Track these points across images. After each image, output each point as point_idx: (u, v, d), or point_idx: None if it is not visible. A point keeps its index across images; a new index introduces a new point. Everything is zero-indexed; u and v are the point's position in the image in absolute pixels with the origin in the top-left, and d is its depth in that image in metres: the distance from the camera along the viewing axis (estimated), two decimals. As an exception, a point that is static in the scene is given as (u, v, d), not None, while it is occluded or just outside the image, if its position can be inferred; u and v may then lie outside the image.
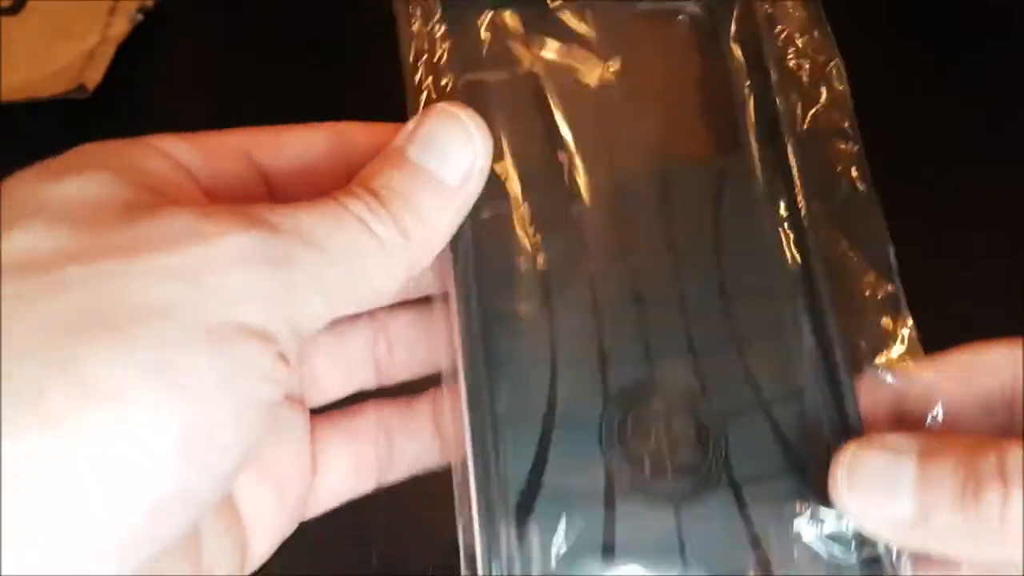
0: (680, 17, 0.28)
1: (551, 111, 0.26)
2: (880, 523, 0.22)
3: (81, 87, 0.40)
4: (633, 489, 0.23)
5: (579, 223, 0.25)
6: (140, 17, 0.43)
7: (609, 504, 0.23)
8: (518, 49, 0.27)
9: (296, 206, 0.21)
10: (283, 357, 0.20)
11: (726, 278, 0.25)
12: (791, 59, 0.27)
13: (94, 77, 0.41)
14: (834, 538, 0.23)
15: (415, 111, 0.25)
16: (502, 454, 0.23)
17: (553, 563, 0.22)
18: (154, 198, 0.20)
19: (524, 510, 0.23)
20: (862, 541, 0.23)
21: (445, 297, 0.24)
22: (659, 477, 0.23)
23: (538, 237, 0.25)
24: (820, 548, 0.23)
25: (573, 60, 0.27)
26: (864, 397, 0.24)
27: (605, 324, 0.24)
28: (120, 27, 0.42)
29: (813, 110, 0.26)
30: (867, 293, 0.25)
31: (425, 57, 0.26)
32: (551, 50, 0.27)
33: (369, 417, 0.26)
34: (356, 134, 0.25)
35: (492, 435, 0.23)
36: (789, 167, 0.26)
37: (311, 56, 0.43)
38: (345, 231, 0.21)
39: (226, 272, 0.19)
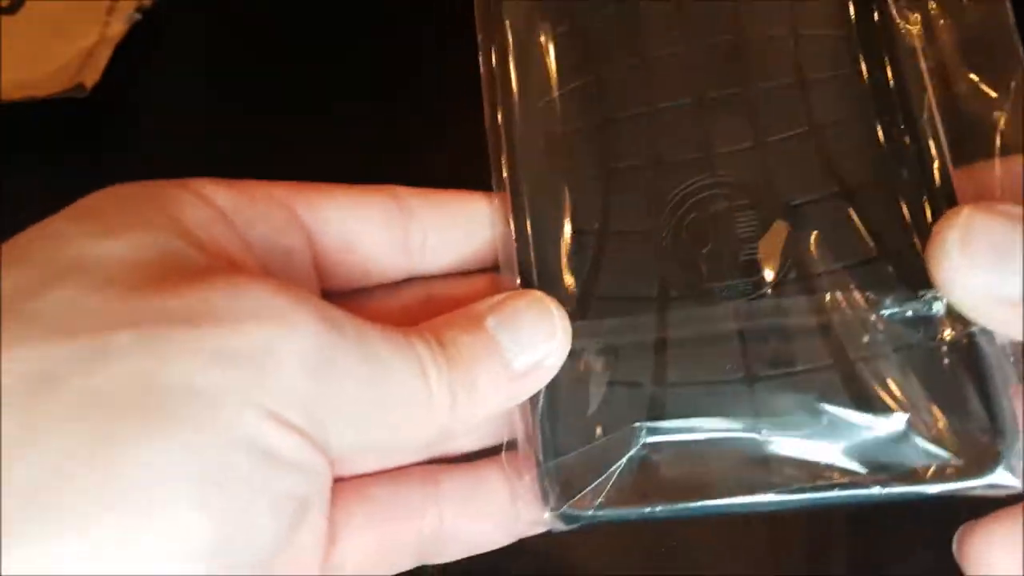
0: None
1: None
2: (989, 300, 0.18)
3: (79, 86, 0.40)
4: (690, 289, 0.22)
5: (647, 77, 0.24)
6: (138, 16, 0.43)
7: (663, 307, 0.22)
8: None
9: (364, 322, 0.20)
10: (320, 449, 0.18)
11: (799, 62, 0.23)
12: None
13: (92, 76, 0.41)
14: (918, 323, 0.20)
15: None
16: (552, 261, 0.23)
17: (603, 367, 0.22)
18: (207, 259, 0.19)
19: (578, 315, 0.22)
20: (952, 325, 0.20)
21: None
22: (719, 276, 0.22)
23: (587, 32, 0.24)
24: (902, 333, 0.21)
25: None
26: (966, 189, 0.21)
27: (663, 128, 0.23)
28: (118, 26, 0.42)
29: None
30: (973, 76, 0.22)
31: None
32: None
33: (412, 486, 0.23)
34: (414, 203, 0.24)
35: (542, 244, 0.23)
36: None
37: (311, 56, 0.43)
38: (405, 369, 0.20)
39: (287, 364, 0.18)
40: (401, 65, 0.41)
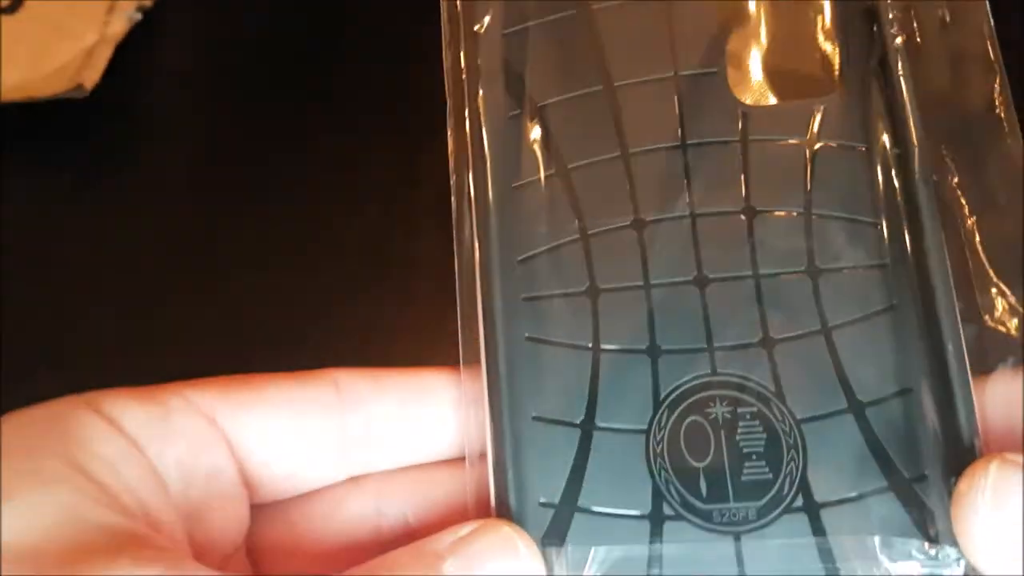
0: None
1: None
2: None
3: (79, 87, 0.40)
4: (687, 508, 0.20)
5: (633, 184, 0.23)
6: (138, 16, 0.43)
7: (656, 531, 0.20)
8: None
9: None
10: None
11: (816, 250, 0.22)
12: None
13: (92, 77, 0.40)
14: None
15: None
16: (530, 464, 0.20)
17: None
18: (112, 519, 0.17)
19: (555, 536, 0.20)
20: None
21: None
22: (720, 496, 0.20)
23: (581, 199, 0.23)
24: None
25: None
26: (989, 406, 0.19)
27: (660, 306, 0.22)
28: (118, 26, 0.42)
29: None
30: (995, 268, 0.21)
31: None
32: None
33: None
34: (360, 389, 0.21)
35: (518, 439, 0.20)
36: (900, 102, 0.22)
37: (311, 56, 0.43)
38: None
39: None
40: (400, 62, 0.41)
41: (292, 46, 0.44)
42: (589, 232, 0.23)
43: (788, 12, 0.25)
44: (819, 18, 0.25)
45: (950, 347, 0.20)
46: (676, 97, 0.24)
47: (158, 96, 0.43)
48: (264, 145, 0.40)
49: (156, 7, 0.43)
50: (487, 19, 0.25)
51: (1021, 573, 0.16)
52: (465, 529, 0.19)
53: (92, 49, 0.41)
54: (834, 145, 0.23)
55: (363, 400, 0.21)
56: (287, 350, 0.35)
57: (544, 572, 0.19)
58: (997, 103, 0.23)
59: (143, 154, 0.41)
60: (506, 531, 0.19)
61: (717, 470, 0.20)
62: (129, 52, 0.42)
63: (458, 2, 0.25)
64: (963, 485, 0.17)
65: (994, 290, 0.21)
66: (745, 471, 0.20)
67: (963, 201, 0.22)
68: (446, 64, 0.25)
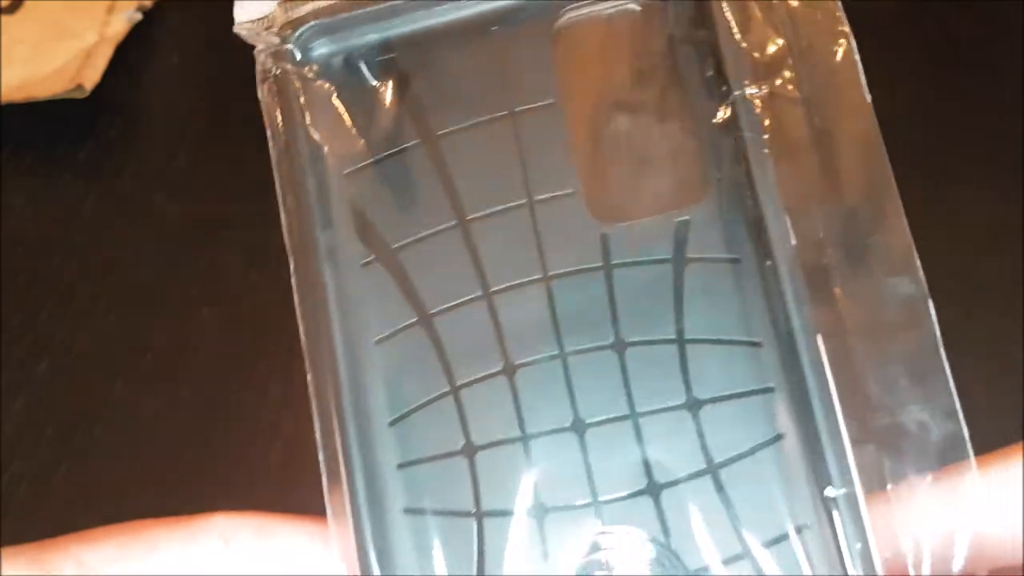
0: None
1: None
2: None
3: (79, 87, 0.40)
4: None
5: (496, 323, 0.22)
6: (138, 16, 0.43)
7: None
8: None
9: None
10: None
11: (695, 379, 0.21)
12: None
13: (92, 77, 0.40)
14: None
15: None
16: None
17: None
18: None
19: None
20: None
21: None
22: None
23: (446, 344, 0.22)
24: None
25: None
26: (883, 522, 0.19)
27: (540, 460, 0.21)
28: (118, 26, 0.42)
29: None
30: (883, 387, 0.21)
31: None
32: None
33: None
34: (246, 538, 0.21)
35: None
36: (769, 208, 0.22)
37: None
38: None
39: None
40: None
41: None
42: (459, 384, 0.22)
43: (644, 122, 0.24)
44: (677, 127, 0.24)
45: (838, 477, 0.20)
46: (533, 225, 0.23)
47: (158, 96, 0.43)
48: (263, 144, 0.40)
49: (156, 7, 0.43)
50: (324, 158, 0.24)
51: None
52: None
53: (92, 49, 0.41)
54: (702, 261, 0.22)
55: (251, 555, 0.21)
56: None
57: None
58: (881, 193, 0.22)
59: (143, 154, 0.41)
60: None
61: None
62: (129, 52, 0.42)
63: (286, 140, 0.24)
64: None
65: (885, 411, 0.21)
66: None
67: (845, 314, 0.21)
68: (283, 214, 0.24)
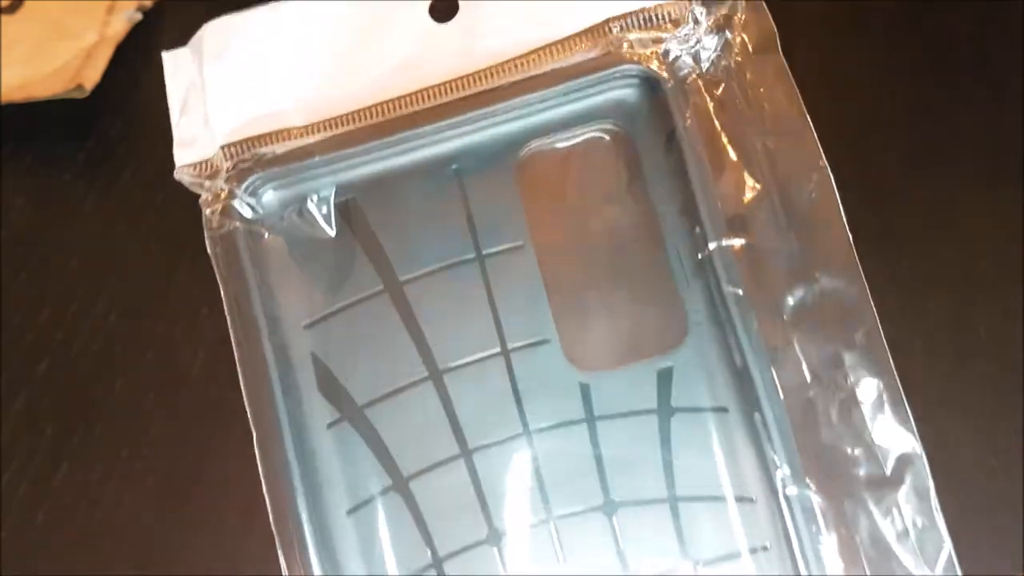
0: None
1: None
2: None
3: (79, 87, 0.40)
4: None
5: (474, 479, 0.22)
6: (139, 16, 0.43)
7: None
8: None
9: None
10: None
11: (682, 536, 0.21)
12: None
13: (92, 77, 0.40)
14: None
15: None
16: None
17: None
18: None
19: None
20: None
21: None
22: None
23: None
24: None
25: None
26: None
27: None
28: (118, 26, 0.42)
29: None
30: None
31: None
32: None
33: None
34: None
35: None
36: (746, 359, 0.22)
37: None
38: None
39: None
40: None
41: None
42: (442, 555, 0.21)
43: (618, 262, 0.24)
44: (652, 266, 0.24)
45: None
46: (510, 376, 0.22)
47: (158, 96, 0.43)
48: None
49: (156, 7, 0.43)
50: (280, 313, 0.23)
51: None
52: None
53: (92, 49, 0.41)
54: (689, 411, 0.22)
55: None
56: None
57: None
58: (869, 340, 0.22)
59: (143, 154, 0.41)
60: None
61: None
62: (129, 52, 0.42)
63: (237, 302, 0.23)
64: None
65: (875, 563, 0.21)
66: None
67: (831, 460, 0.22)
68: (242, 381, 0.23)
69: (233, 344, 0.24)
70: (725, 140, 0.24)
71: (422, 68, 0.25)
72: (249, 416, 0.23)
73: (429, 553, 0.21)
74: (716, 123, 0.24)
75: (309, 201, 0.24)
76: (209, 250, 0.24)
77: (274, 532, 0.22)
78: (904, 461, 0.23)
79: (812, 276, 0.23)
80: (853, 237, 0.24)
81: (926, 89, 0.34)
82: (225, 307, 0.24)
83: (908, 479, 0.22)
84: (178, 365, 0.35)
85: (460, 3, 0.25)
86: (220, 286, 0.24)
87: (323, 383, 0.22)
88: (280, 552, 0.22)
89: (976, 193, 0.32)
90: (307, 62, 0.25)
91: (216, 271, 0.24)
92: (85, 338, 0.37)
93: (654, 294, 0.23)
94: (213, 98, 0.26)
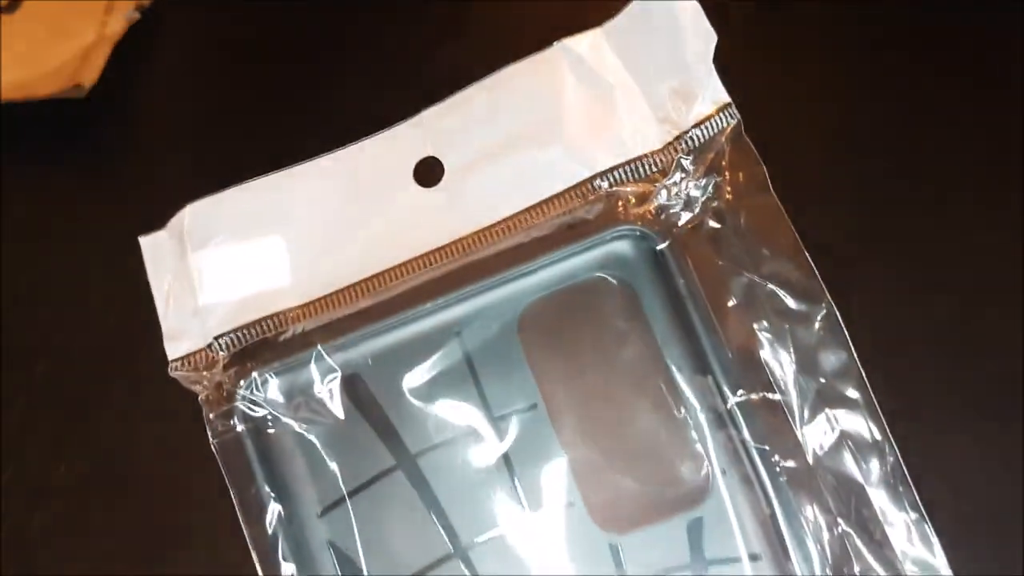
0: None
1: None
2: None
3: (77, 86, 0.40)
4: None
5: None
6: (137, 16, 0.43)
7: None
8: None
9: None
10: None
11: None
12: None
13: (90, 76, 0.40)
14: None
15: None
16: None
17: None
18: None
19: None
20: None
21: None
22: None
23: None
24: None
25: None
26: None
27: None
28: (116, 26, 0.42)
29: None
30: None
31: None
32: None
33: None
34: None
35: None
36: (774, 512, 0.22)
37: (310, 55, 0.43)
38: None
39: None
40: (403, 55, 0.41)
41: (291, 46, 0.43)
42: None
43: (633, 414, 0.24)
44: (668, 418, 0.24)
45: None
46: (538, 546, 0.22)
47: (156, 96, 0.43)
48: (263, 145, 0.40)
49: (155, 6, 0.43)
50: (293, 505, 0.23)
51: None
52: None
53: (90, 48, 0.41)
54: (723, 562, 0.22)
55: None
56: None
57: None
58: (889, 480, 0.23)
59: (141, 154, 0.41)
60: None
61: None
62: (127, 52, 0.42)
63: (245, 502, 0.24)
64: None
65: None
66: None
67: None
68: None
69: (248, 541, 0.23)
70: (730, 286, 0.24)
71: (412, 233, 0.24)
72: None
73: None
74: (717, 268, 0.24)
75: (314, 388, 0.24)
76: (215, 451, 0.24)
77: None
78: None
79: (831, 418, 0.23)
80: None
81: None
82: (237, 508, 0.24)
83: None
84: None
85: (444, 165, 0.25)
86: (229, 488, 0.24)
87: (344, 572, 0.22)
88: None
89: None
90: (294, 236, 0.25)
91: (224, 473, 0.24)
92: (85, 338, 0.37)
93: (676, 447, 0.23)
94: (200, 286, 0.25)
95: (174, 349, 0.26)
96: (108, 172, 0.40)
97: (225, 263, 0.25)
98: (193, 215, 0.25)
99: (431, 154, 0.25)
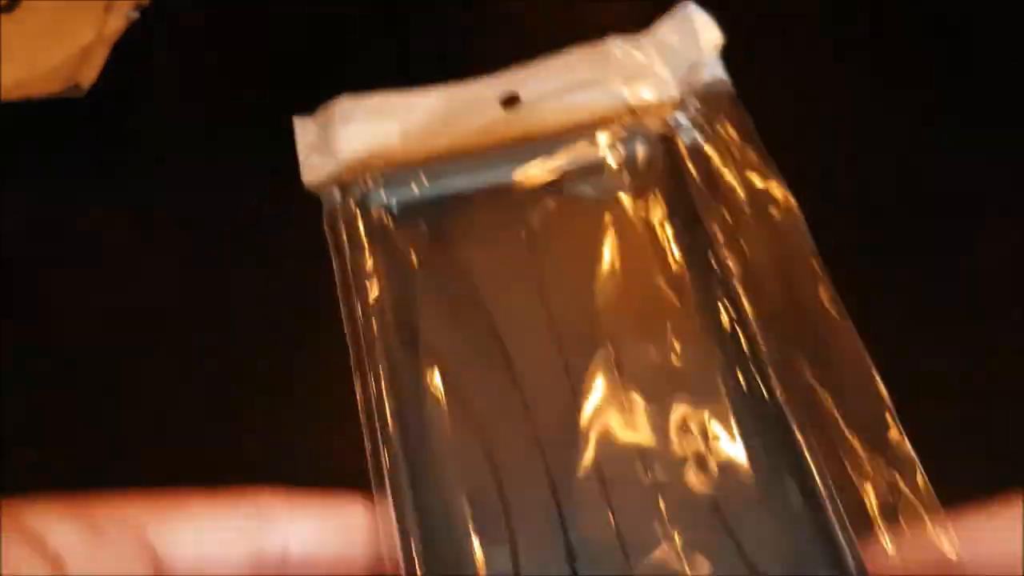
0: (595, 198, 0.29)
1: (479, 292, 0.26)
2: None
3: (76, 86, 0.40)
4: None
5: (521, 391, 0.25)
6: (135, 15, 0.43)
7: None
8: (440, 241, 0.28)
9: None
10: None
11: (702, 457, 0.23)
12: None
13: (89, 76, 0.40)
14: None
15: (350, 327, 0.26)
16: None
17: None
18: None
19: None
20: None
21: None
22: None
23: (478, 408, 0.24)
24: None
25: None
26: (874, 562, 0.22)
27: (565, 498, 0.23)
28: (115, 25, 0.42)
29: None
30: (859, 440, 0.24)
31: (353, 270, 0.27)
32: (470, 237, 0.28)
33: None
34: (278, 511, 0.22)
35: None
36: (743, 315, 0.25)
37: (310, 55, 0.43)
38: None
39: None
40: (401, 57, 0.41)
41: (291, 46, 0.44)
42: (506, 493, 0.23)
43: (640, 255, 0.28)
44: (669, 258, 0.27)
45: (832, 516, 0.22)
46: (551, 340, 0.25)
47: (155, 95, 0.43)
48: (262, 145, 0.40)
49: (153, 6, 0.43)
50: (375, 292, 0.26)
51: None
52: None
53: (89, 48, 0.41)
54: (695, 350, 0.25)
55: (282, 522, 0.22)
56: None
57: None
58: (828, 306, 0.25)
59: (140, 153, 0.41)
60: None
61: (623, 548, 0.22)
62: (126, 51, 0.42)
63: (349, 273, 0.27)
64: None
65: (856, 460, 0.23)
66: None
67: (817, 387, 0.24)
68: (347, 330, 0.26)
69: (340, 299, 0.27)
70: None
71: (494, 132, 0.32)
72: (352, 361, 0.25)
73: (495, 488, 0.23)
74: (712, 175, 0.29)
75: (410, 205, 0.29)
76: (327, 233, 0.29)
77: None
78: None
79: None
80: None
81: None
82: (339, 287, 0.27)
83: None
84: (179, 366, 0.35)
85: (522, 97, 0.33)
86: (334, 261, 0.28)
87: (405, 343, 0.25)
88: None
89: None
90: (409, 128, 0.32)
91: (332, 251, 0.28)
92: (84, 338, 0.37)
93: (667, 277, 0.27)
94: (341, 141, 0.32)
95: (307, 173, 0.31)
96: (105, 171, 0.40)
97: (359, 134, 0.32)
98: (340, 104, 0.32)
99: (513, 91, 0.33)
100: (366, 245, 0.28)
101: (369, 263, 0.27)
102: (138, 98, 0.42)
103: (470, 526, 0.23)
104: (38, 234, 0.39)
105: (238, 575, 0.21)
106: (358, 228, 0.28)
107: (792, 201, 0.27)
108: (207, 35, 0.44)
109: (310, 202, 0.30)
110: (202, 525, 0.21)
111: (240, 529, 0.21)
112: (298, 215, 0.30)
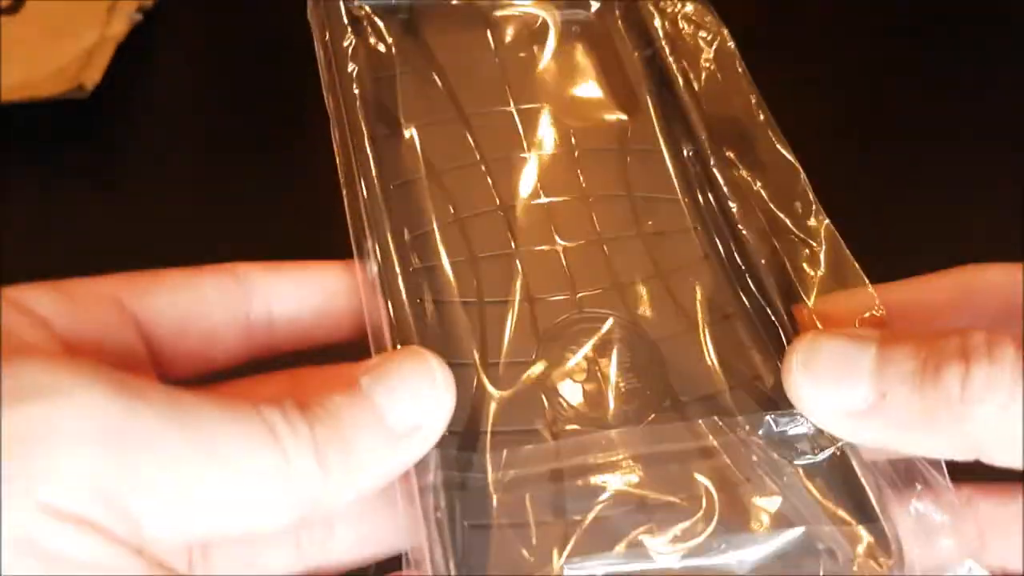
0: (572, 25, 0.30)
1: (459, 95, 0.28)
2: (836, 413, 0.20)
3: (80, 87, 0.40)
4: (580, 419, 0.23)
5: (494, 182, 0.26)
6: (139, 17, 0.43)
7: (554, 437, 0.22)
8: (422, 44, 0.29)
9: (181, 391, 0.17)
10: (122, 542, 0.16)
11: (641, 220, 0.26)
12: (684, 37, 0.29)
13: (93, 77, 0.41)
14: (794, 440, 0.22)
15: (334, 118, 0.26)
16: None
17: (500, 491, 0.21)
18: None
19: (467, 449, 0.21)
20: (818, 443, 0.22)
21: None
22: (600, 407, 0.23)
23: (454, 193, 0.26)
24: (781, 451, 0.22)
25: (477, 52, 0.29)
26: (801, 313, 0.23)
27: (529, 270, 0.25)
28: (119, 27, 0.42)
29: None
30: (790, 224, 0.26)
31: (335, 64, 0.28)
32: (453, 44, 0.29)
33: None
34: (255, 277, 0.22)
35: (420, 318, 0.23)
36: (688, 117, 0.27)
37: (310, 55, 0.43)
38: (240, 435, 0.17)
39: (68, 444, 0.16)
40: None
41: (291, 46, 0.44)
42: (463, 216, 0.25)
43: (594, 60, 0.30)
44: (621, 62, 0.29)
45: (766, 280, 0.24)
46: (518, 123, 0.28)
47: (158, 96, 0.43)
48: (262, 145, 0.40)
49: (157, 8, 0.43)
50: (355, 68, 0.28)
51: (837, 420, 0.21)
52: (378, 357, 0.20)
53: (93, 49, 0.42)
54: (642, 149, 0.27)
55: (262, 286, 0.22)
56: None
57: (454, 400, 0.20)
58: (757, 112, 0.28)
59: (143, 154, 0.41)
60: (414, 347, 0.20)
61: (597, 386, 0.23)
62: (130, 52, 0.42)
63: (331, 55, 0.28)
64: (787, 351, 0.21)
65: (786, 236, 0.26)
66: (621, 384, 0.23)
67: (748, 178, 0.27)
68: (329, 105, 0.27)
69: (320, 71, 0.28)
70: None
71: None
72: (331, 127, 0.27)
73: (453, 214, 0.25)
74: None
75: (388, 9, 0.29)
76: (309, 18, 0.29)
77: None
78: None
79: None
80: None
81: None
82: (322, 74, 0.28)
83: None
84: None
85: None
86: (317, 46, 0.29)
87: (380, 114, 0.27)
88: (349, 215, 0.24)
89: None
90: None
91: (316, 39, 0.29)
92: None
93: (618, 78, 0.29)
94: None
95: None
96: (109, 172, 0.41)
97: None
98: None
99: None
100: (349, 30, 0.29)
101: (348, 44, 0.28)
102: (142, 99, 0.43)
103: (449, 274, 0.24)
104: (40, 233, 0.39)
105: (231, 341, 0.22)
106: (340, 16, 0.29)
107: (725, 33, 0.29)
108: (209, 36, 0.44)
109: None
110: (177, 292, 0.22)
111: (221, 293, 0.22)
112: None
